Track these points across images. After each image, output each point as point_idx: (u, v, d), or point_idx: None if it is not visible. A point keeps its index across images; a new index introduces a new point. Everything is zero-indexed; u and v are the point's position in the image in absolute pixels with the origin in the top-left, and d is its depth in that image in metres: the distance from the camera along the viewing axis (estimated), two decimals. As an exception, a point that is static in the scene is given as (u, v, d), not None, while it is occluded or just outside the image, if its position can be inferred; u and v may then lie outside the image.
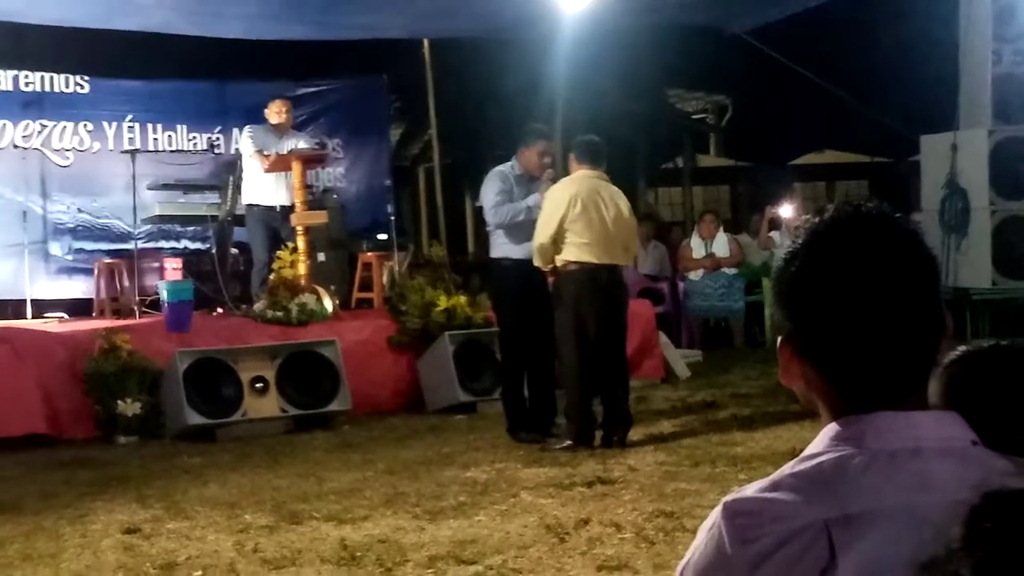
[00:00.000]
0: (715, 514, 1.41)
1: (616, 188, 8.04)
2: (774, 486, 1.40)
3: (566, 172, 8.10)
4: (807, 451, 1.44)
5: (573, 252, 7.72)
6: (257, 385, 8.93)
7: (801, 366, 1.48)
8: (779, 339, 1.51)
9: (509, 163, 8.35)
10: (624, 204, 7.99)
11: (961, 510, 1.07)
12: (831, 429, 1.45)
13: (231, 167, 11.91)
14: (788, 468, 1.42)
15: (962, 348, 1.87)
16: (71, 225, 12.02)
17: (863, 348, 1.43)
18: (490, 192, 8.23)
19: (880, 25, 13.08)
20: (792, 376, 1.50)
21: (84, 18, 11.01)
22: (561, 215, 7.67)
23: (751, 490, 1.42)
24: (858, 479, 1.38)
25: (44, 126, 11.88)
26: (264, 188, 10.80)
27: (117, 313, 10.93)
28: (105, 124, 12.16)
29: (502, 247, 8.26)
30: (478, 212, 8.87)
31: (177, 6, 10.75)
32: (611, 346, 7.86)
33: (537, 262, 7.84)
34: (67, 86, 12.06)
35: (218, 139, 12.67)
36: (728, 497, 1.42)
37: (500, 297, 8.53)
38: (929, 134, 11.01)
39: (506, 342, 8.44)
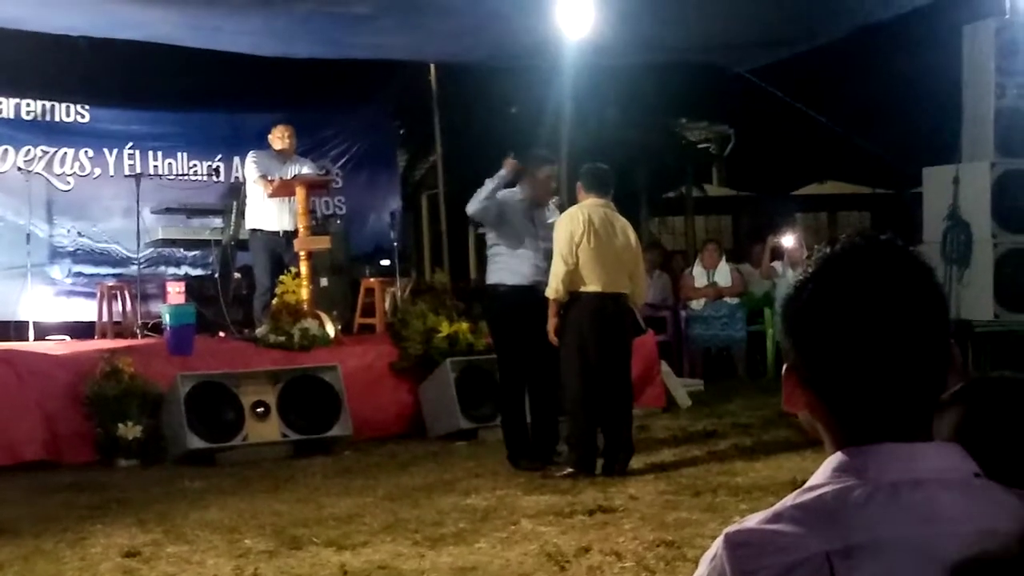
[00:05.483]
0: (717, 545, 1.41)
1: (624, 219, 8.04)
2: (776, 517, 1.39)
3: (572, 200, 8.08)
4: (809, 482, 1.44)
5: (581, 280, 7.72)
6: (258, 410, 8.93)
7: (806, 395, 1.48)
8: (784, 366, 1.51)
9: (512, 189, 8.28)
10: (632, 235, 7.99)
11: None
12: (834, 460, 1.44)
13: (235, 192, 11.94)
14: (790, 499, 1.42)
15: (967, 380, 1.87)
16: (71, 249, 12.01)
17: (869, 382, 1.42)
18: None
19: (884, 58, 13.11)
20: (796, 403, 1.50)
21: (87, 27, 11.02)
22: (577, 241, 7.65)
23: (753, 521, 1.41)
24: (860, 511, 1.37)
25: (46, 151, 11.90)
26: (267, 213, 10.81)
27: (119, 336, 10.93)
28: (105, 151, 12.15)
29: (499, 273, 8.22)
30: (480, 238, 8.87)
31: (181, 21, 10.76)
32: (615, 374, 7.83)
33: (555, 293, 7.71)
34: (67, 115, 12.10)
35: (218, 167, 12.67)
36: (730, 528, 1.42)
37: (497, 324, 8.44)
38: (931, 166, 11.03)
39: (504, 369, 8.39)
